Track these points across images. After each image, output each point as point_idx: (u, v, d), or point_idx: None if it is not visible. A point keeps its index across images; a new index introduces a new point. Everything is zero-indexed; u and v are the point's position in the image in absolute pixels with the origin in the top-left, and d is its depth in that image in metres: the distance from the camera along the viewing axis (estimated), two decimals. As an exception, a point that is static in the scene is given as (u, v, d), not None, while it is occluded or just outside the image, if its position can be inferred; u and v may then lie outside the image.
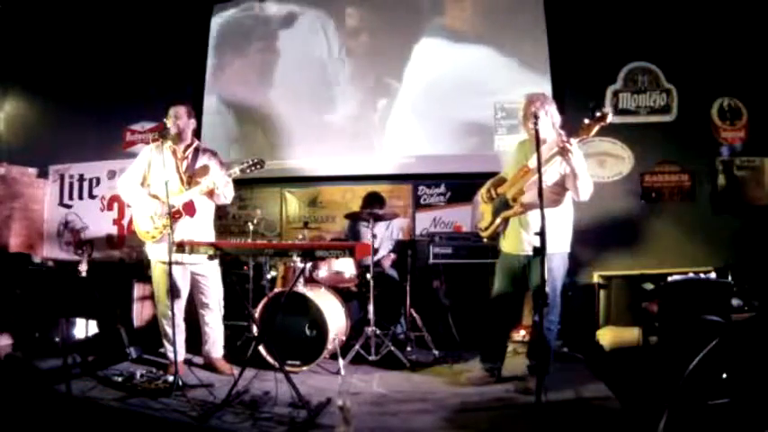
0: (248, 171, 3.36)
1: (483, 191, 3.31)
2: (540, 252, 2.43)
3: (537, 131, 2.54)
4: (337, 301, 3.89)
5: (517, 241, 3.14)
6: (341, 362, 3.52)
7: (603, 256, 4.57)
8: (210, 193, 3.48)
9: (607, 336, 3.92)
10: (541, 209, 2.48)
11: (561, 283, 3.14)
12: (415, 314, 4.03)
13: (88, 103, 5.68)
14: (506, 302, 3.24)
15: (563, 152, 2.85)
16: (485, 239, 3.40)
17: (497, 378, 3.29)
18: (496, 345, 3.34)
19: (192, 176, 3.48)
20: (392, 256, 4.47)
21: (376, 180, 4.97)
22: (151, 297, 3.67)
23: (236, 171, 3.36)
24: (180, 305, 3.48)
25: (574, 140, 2.82)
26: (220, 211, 4.11)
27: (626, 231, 4.58)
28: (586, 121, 2.75)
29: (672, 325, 3.26)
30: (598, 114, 2.70)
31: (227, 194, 3.50)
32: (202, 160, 3.56)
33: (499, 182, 3.28)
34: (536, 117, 2.57)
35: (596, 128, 2.73)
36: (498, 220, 3.18)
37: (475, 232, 3.83)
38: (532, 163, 2.99)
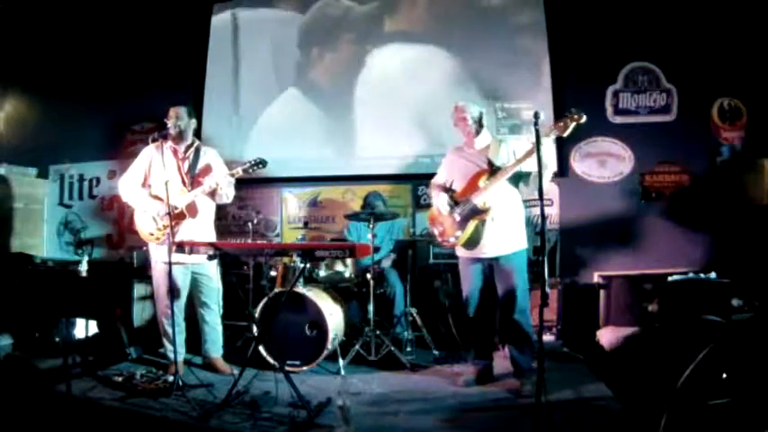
0: (251, 171, 3.35)
1: (444, 203, 3.24)
2: (539, 252, 2.44)
3: (537, 131, 2.54)
4: (337, 301, 3.89)
5: (480, 244, 3.17)
6: (341, 362, 3.52)
7: (603, 256, 4.56)
8: (212, 193, 3.49)
9: (607, 336, 3.92)
10: (541, 209, 2.48)
11: (527, 278, 3.21)
12: (415, 314, 4.03)
13: (88, 103, 5.68)
14: (483, 303, 3.27)
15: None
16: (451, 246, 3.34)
17: (490, 377, 3.31)
18: (484, 345, 3.37)
19: (193, 177, 3.48)
20: (392, 255, 4.46)
21: (376, 180, 4.97)
22: (151, 297, 3.68)
23: (238, 171, 3.36)
24: (180, 305, 3.49)
25: (546, 138, 2.85)
26: (220, 211, 4.11)
27: (626, 231, 4.57)
28: (556, 119, 2.88)
29: (672, 325, 3.26)
30: (568, 115, 2.81)
31: (228, 194, 3.51)
32: (204, 160, 3.56)
33: (447, 190, 3.33)
34: (536, 117, 2.56)
35: (570, 126, 2.82)
36: (472, 226, 3.16)
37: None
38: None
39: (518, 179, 3.18)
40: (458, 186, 3.29)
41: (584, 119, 2.78)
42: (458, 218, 3.20)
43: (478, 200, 3.11)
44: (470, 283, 3.28)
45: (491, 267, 3.20)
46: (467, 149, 3.33)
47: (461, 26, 4.99)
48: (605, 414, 2.79)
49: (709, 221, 4.45)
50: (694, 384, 2.02)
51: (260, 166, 3.35)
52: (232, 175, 3.38)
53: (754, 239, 4.26)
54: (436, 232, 3.37)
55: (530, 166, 3.09)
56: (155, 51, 5.51)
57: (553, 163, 3.06)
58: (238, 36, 5.51)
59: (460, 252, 3.31)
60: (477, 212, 3.13)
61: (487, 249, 3.16)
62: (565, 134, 2.86)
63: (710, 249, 4.31)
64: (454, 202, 3.24)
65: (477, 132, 3.25)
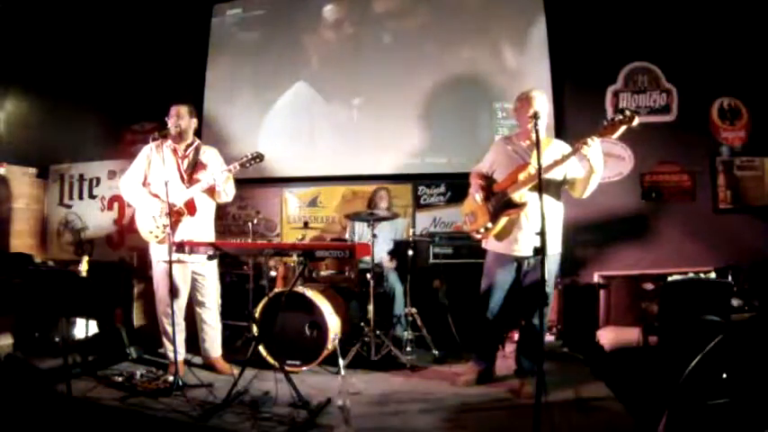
0: (248, 165, 3.34)
1: (480, 192, 3.17)
2: (539, 252, 2.42)
3: (537, 131, 2.53)
4: (337, 301, 3.89)
5: (513, 241, 3.10)
6: (341, 362, 3.51)
7: (604, 256, 4.57)
8: (212, 192, 3.48)
9: (607, 336, 3.92)
10: (542, 209, 2.47)
11: (553, 284, 3.17)
12: (415, 314, 4.03)
13: (88, 103, 5.68)
14: (503, 303, 3.21)
15: (582, 147, 2.78)
16: (480, 239, 3.24)
17: (491, 379, 3.29)
18: (490, 346, 3.34)
19: (192, 175, 3.48)
20: (394, 262, 4.46)
21: (376, 180, 4.97)
22: (152, 297, 3.68)
23: (235, 166, 3.34)
24: (180, 304, 3.49)
25: (597, 138, 2.77)
26: (220, 211, 4.11)
27: (626, 231, 4.58)
28: (607, 120, 2.71)
29: (672, 325, 3.25)
30: (620, 117, 2.65)
31: (228, 191, 3.50)
32: (203, 159, 3.56)
33: (486, 180, 3.22)
34: (536, 117, 2.56)
35: (621, 129, 2.67)
36: (504, 219, 3.07)
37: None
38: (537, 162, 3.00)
39: (560, 184, 3.09)
40: (500, 176, 3.17)
41: (636, 121, 2.62)
42: (491, 209, 3.11)
43: (515, 194, 3.02)
44: (496, 283, 3.17)
45: (520, 266, 3.12)
46: (517, 141, 3.19)
47: (462, 25, 4.99)
48: (605, 414, 2.79)
49: (709, 221, 4.46)
50: (694, 384, 2.02)
51: (257, 160, 3.33)
52: (229, 171, 3.37)
53: (754, 239, 4.27)
54: (468, 222, 3.28)
55: (574, 171, 3.05)
56: (155, 51, 5.51)
57: (601, 166, 2.93)
58: (238, 35, 5.52)
59: (491, 246, 3.20)
60: (512, 206, 3.03)
61: (521, 247, 3.06)
62: (614, 136, 2.72)
63: (710, 249, 4.30)
64: (491, 193, 3.15)
65: (537, 128, 3.07)
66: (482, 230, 3.15)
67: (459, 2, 5.04)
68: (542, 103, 3.04)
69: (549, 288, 3.07)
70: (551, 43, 4.74)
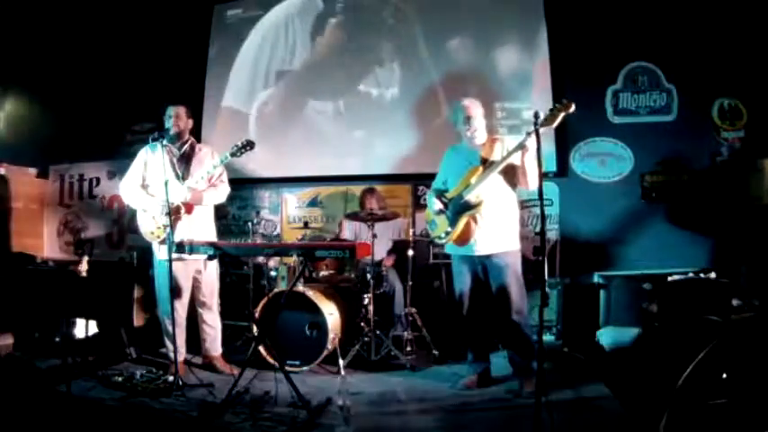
0: (239, 154, 3.34)
1: (437, 201, 3.25)
2: (539, 252, 2.43)
3: (537, 131, 2.54)
4: (337, 301, 3.89)
5: (472, 242, 3.15)
6: (341, 362, 3.52)
7: (603, 256, 4.56)
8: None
9: (607, 336, 3.92)
10: (541, 209, 2.47)
11: (522, 279, 3.19)
12: (415, 314, 4.02)
13: (88, 103, 5.68)
14: (475, 302, 3.25)
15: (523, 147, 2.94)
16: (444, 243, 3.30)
17: (487, 380, 3.30)
18: (481, 345, 3.35)
19: (188, 173, 3.50)
20: (393, 256, 4.46)
21: (376, 180, 4.96)
22: (152, 297, 3.69)
23: (226, 155, 3.35)
24: (182, 304, 3.50)
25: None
26: (220, 212, 4.11)
27: (626, 231, 4.57)
28: (546, 111, 2.77)
29: (672, 325, 3.25)
30: (558, 105, 2.74)
31: (220, 190, 3.53)
32: (199, 157, 3.58)
33: (441, 192, 3.31)
34: (536, 117, 2.57)
35: (560, 116, 2.74)
36: (464, 222, 3.13)
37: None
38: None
39: (513, 179, 3.16)
40: (452, 184, 3.28)
41: (572, 108, 2.71)
42: (450, 214, 3.20)
43: (470, 195, 3.10)
44: (461, 282, 3.27)
45: (484, 266, 3.19)
46: (464, 147, 3.33)
47: (462, 26, 4.99)
48: (605, 414, 2.79)
49: (709, 221, 4.45)
50: (694, 384, 2.02)
51: (247, 148, 3.32)
52: (221, 161, 3.39)
53: (755, 240, 4.26)
54: (431, 230, 3.41)
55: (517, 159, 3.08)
56: (155, 51, 5.51)
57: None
58: (238, 35, 5.52)
59: (452, 250, 3.29)
60: (469, 207, 3.11)
61: (479, 247, 3.14)
62: (554, 125, 2.79)
63: (710, 249, 4.30)
64: (448, 200, 3.24)
65: (478, 131, 3.26)
66: (443, 235, 3.23)
67: (459, 2, 5.04)
68: (477, 109, 3.27)
69: (514, 285, 3.12)
70: (551, 43, 4.74)
